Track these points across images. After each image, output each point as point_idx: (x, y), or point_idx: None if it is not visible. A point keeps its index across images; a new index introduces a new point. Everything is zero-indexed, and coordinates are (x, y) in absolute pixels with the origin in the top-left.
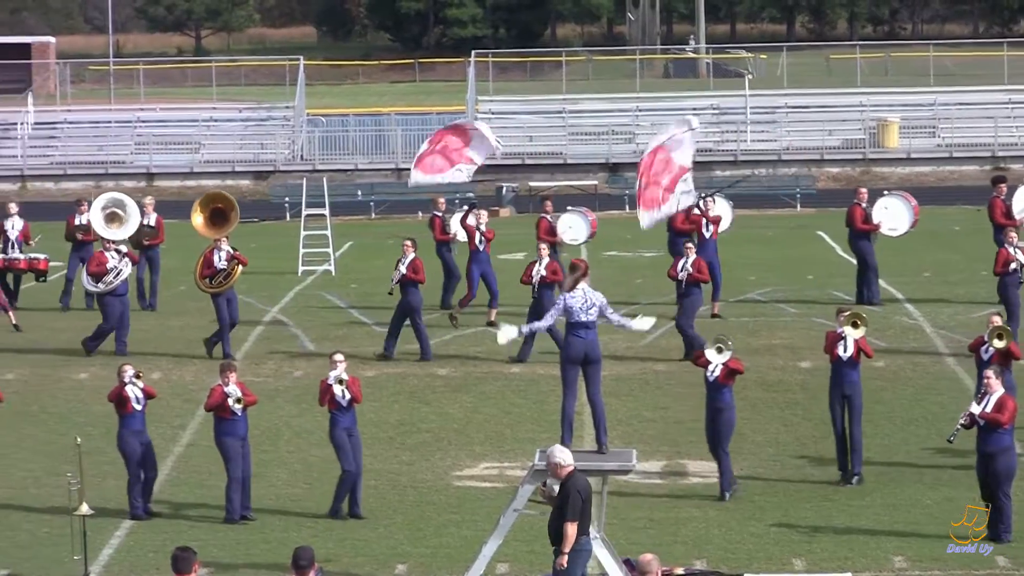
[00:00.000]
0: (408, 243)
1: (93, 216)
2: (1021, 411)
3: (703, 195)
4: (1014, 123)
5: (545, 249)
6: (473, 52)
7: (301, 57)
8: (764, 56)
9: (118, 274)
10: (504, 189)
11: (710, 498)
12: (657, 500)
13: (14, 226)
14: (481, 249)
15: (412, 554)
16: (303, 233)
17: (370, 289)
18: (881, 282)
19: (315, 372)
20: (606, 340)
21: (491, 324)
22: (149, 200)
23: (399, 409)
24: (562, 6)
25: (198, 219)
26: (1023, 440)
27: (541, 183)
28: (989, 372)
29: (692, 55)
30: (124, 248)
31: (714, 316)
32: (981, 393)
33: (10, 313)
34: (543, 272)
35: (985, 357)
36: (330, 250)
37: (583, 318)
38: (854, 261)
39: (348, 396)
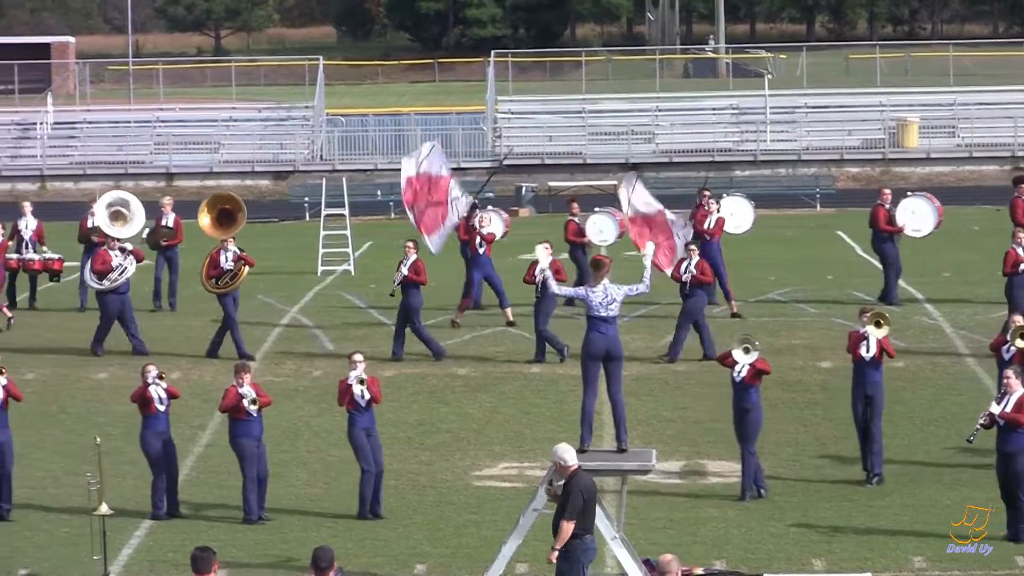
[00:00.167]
0: (410, 244)
1: (98, 214)
2: None
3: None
4: None
5: (548, 249)
6: (493, 52)
7: (321, 57)
8: (784, 56)
9: (123, 272)
10: (524, 189)
11: (730, 498)
12: (677, 500)
13: (28, 226)
14: (482, 252)
15: (432, 554)
16: (322, 233)
17: (389, 289)
18: (900, 282)
19: (334, 372)
20: (625, 340)
21: (510, 324)
22: (167, 200)
23: (418, 409)
24: (582, 6)
25: (205, 220)
26: None
27: (560, 183)
28: (1009, 372)
29: (712, 55)
30: (129, 246)
31: (734, 316)
32: (1001, 393)
33: (3, 309)
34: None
35: (1006, 357)
36: (349, 250)
37: (603, 313)
38: (875, 262)
39: (367, 396)
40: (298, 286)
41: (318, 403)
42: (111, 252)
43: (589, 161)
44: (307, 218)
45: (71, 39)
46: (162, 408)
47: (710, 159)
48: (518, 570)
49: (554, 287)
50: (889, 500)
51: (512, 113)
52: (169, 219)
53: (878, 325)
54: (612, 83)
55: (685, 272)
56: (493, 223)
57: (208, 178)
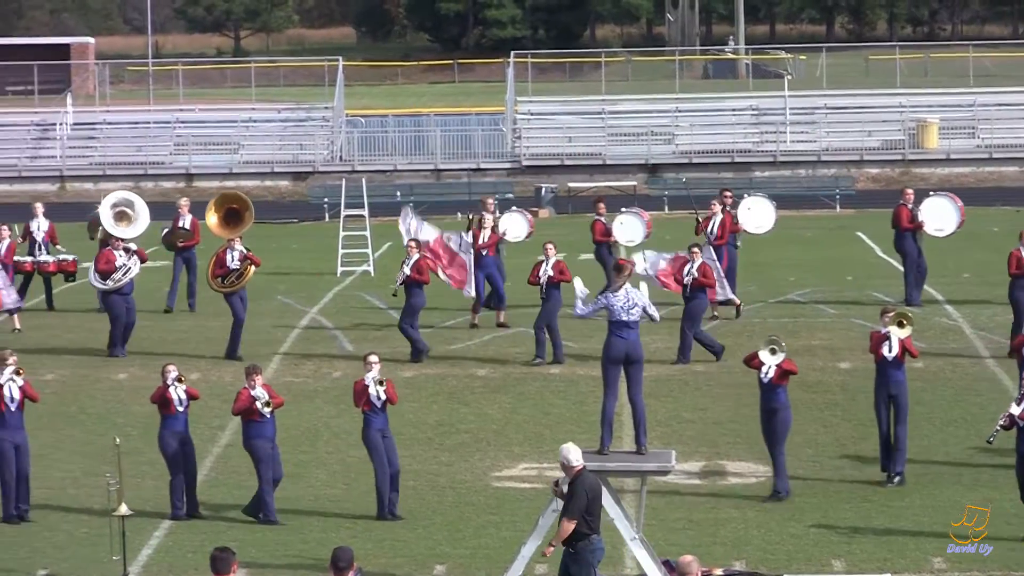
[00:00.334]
0: (411, 244)
1: (102, 214)
2: None
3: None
4: None
5: (552, 249)
6: (512, 53)
7: (340, 58)
8: (803, 57)
9: (127, 272)
10: (543, 190)
11: (749, 499)
12: (696, 501)
13: (40, 227)
14: (484, 254)
15: (451, 555)
16: (342, 234)
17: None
18: None
19: (354, 373)
20: (645, 341)
21: (500, 325)
22: (184, 202)
23: (438, 410)
24: (601, 7)
25: (212, 219)
26: None
27: (580, 184)
28: None
29: (731, 56)
30: (132, 246)
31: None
32: (1021, 394)
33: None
34: (550, 272)
35: None
36: (369, 251)
37: (624, 318)
38: (895, 263)
39: (383, 397)
40: (318, 287)
41: (337, 404)
42: (115, 252)
43: (609, 162)
44: (327, 219)
45: (91, 40)
46: (181, 409)
47: (730, 160)
48: (537, 571)
49: (580, 310)
50: (909, 501)
51: (532, 114)
52: (186, 220)
53: (901, 325)
54: (632, 84)
55: (687, 275)
56: (518, 224)
57: (228, 179)
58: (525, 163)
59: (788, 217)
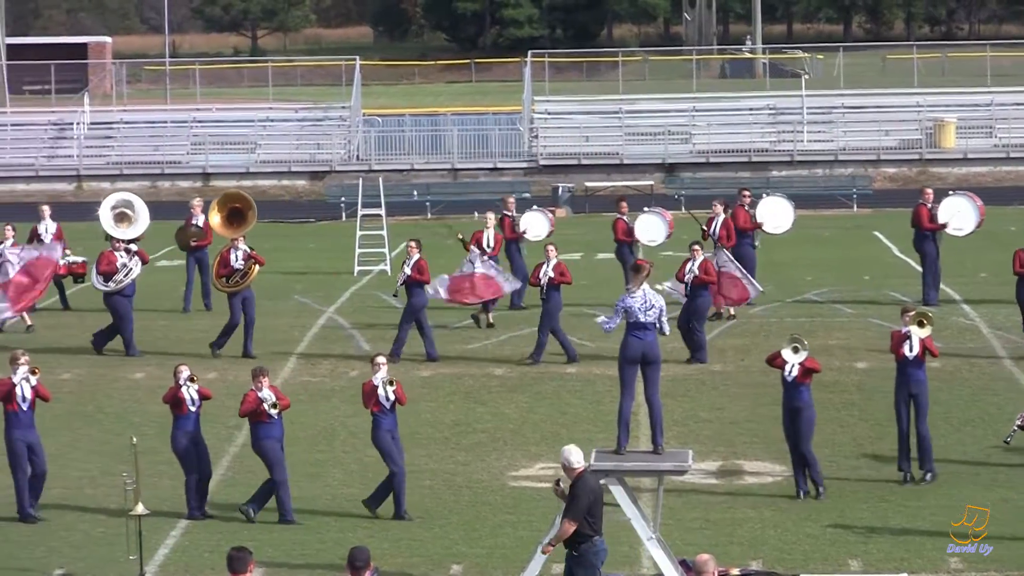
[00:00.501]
0: (413, 244)
1: (102, 215)
2: None
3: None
4: None
5: (552, 251)
6: (529, 52)
7: (357, 57)
8: (821, 56)
9: (128, 272)
10: (560, 189)
11: (766, 498)
12: (713, 501)
13: (47, 229)
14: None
15: (467, 554)
16: (359, 233)
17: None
18: None
19: (370, 373)
20: (661, 340)
21: (489, 326)
22: (197, 201)
23: (455, 409)
24: (619, 6)
25: (215, 218)
26: None
27: (597, 183)
28: None
29: (748, 55)
30: (134, 247)
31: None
32: None
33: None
34: (550, 273)
35: None
36: (386, 250)
37: (642, 319)
38: (912, 263)
39: (392, 398)
40: (335, 286)
41: (354, 403)
42: (116, 253)
43: (626, 161)
44: (343, 218)
45: (108, 39)
46: (193, 409)
47: (747, 159)
48: (554, 571)
49: (607, 327)
50: (926, 501)
51: (549, 113)
52: (199, 220)
53: (921, 325)
54: (649, 83)
55: (688, 272)
56: (538, 223)
57: (245, 178)
58: (542, 162)
59: (805, 217)
